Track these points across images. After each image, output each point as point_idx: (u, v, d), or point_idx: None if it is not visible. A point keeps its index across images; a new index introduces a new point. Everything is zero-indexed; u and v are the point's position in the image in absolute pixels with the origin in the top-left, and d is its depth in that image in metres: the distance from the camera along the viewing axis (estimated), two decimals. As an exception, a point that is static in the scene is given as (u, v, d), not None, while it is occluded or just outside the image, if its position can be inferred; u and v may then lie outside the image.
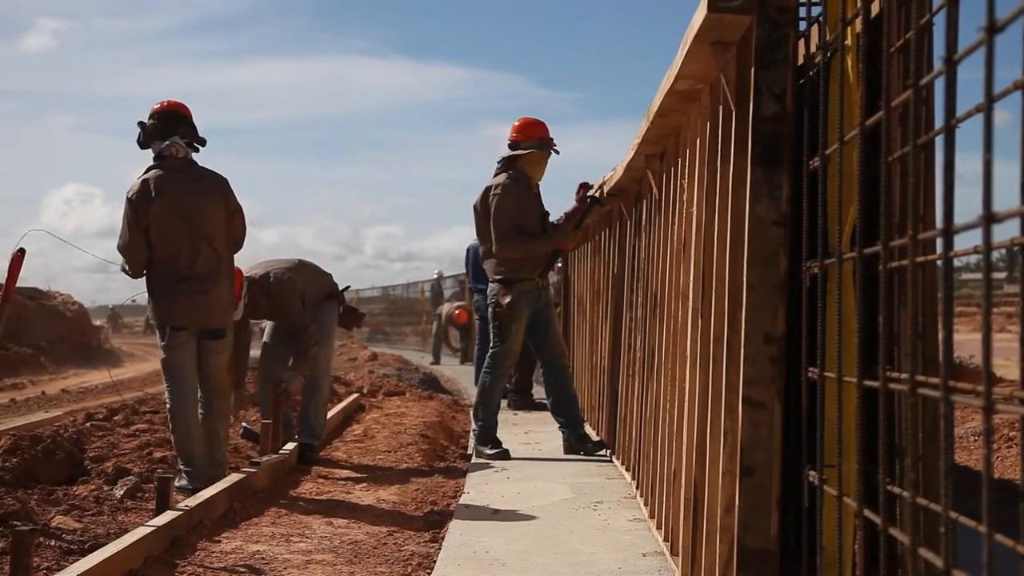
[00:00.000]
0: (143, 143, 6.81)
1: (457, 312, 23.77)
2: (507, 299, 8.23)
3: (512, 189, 8.25)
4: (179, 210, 6.60)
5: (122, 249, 6.67)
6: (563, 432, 8.37)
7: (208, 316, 6.68)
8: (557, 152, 8.47)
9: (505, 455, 8.13)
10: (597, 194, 8.41)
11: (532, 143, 8.37)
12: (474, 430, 8.52)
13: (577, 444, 8.27)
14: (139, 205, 6.58)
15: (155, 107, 6.83)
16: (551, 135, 8.46)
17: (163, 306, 6.64)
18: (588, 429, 8.73)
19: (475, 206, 8.46)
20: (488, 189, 8.33)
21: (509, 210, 8.22)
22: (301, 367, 7.93)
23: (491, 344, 8.52)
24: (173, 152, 6.70)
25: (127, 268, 6.71)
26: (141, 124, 6.80)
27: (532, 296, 8.33)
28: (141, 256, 6.63)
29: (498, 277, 8.34)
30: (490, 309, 8.50)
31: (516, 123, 8.50)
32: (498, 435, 8.40)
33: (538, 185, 8.46)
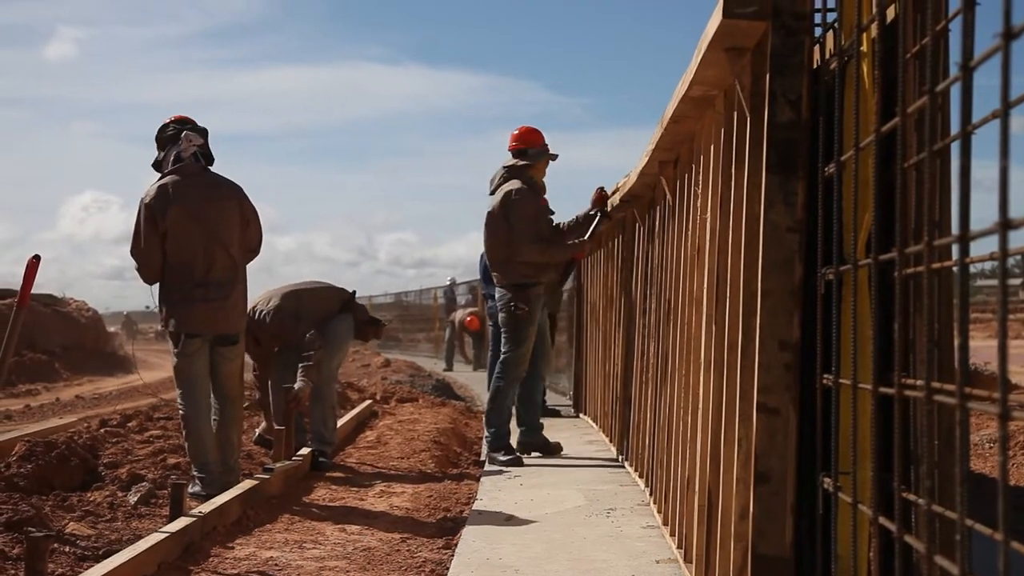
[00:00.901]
0: (158, 164, 6.81)
1: (469, 319, 23.75)
2: (526, 302, 8.36)
3: (530, 195, 8.40)
4: (197, 215, 6.60)
5: (136, 254, 6.66)
6: (520, 429, 8.70)
7: (223, 323, 6.69)
8: (554, 158, 8.66)
9: (518, 462, 8.17)
10: (608, 205, 8.55)
11: (538, 150, 8.57)
12: (487, 437, 8.55)
13: (531, 444, 8.63)
14: (156, 210, 6.58)
15: (165, 121, 6.84)
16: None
17: (179, 313, 6.63)
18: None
19: (492, 211, 8.46)
20: (508, 194, 8.39)
21: (531, 215, 8.35)
22: (309, 373, 7.95)
23: (502, 349, 8.58)
24: (186, 145, 6.70)
25: (141, 274, 6.72)
26: (158, 143, 6.83)
27: (541, 301, 8.53)
28: (156, 262, 6.63)
29: (516, 281, 8.39)
30: (502, 314, 8.54)
31: (516, 132, 8.64)
32: (510, 440, 8.42)
33: None
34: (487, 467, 8.13)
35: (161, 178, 6.69)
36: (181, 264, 6.61)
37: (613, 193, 8.31)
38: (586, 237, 8.60)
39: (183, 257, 6.60)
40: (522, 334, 8.41)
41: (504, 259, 8.44)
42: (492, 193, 8.58)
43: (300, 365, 7.97)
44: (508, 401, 8.49)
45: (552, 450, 8.64)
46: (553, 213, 8.88)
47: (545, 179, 8.72)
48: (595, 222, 8.61)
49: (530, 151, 8.54)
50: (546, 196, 8.76)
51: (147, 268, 6.66)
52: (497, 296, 8.65)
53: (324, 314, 8.31)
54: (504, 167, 8.61)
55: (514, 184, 8.42)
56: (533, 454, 8.60)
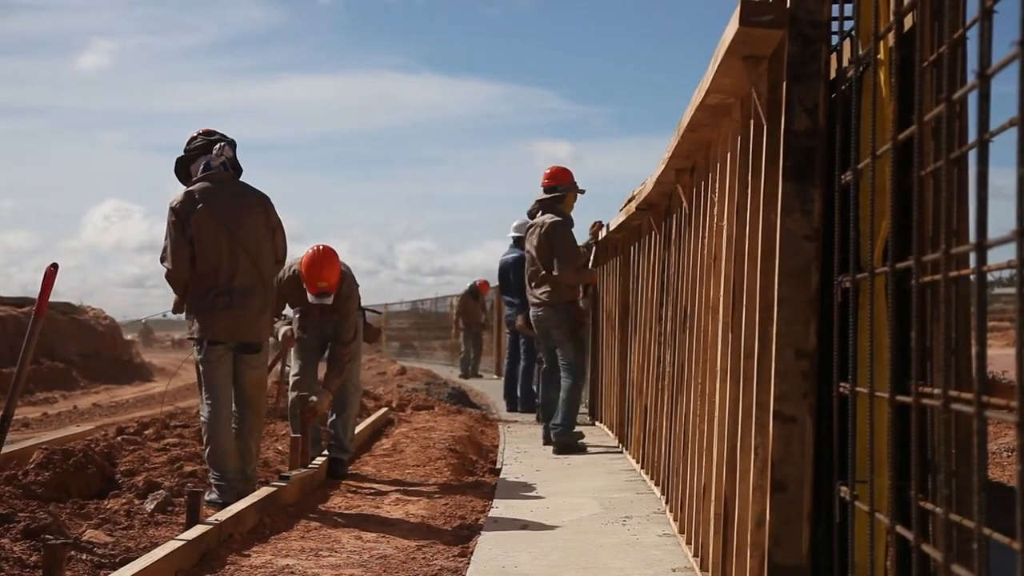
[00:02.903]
0: (187, 175, 6.83)
1: (481, 282, 23.87)
2: (582, 316, 9.86)
3: (566, 225, 9.73)
4: (222, 220, 6.61)
5: (164, 261, 6.69)
6: (553, 430, 9.49)
7: (246, 331, 6.69)
8: (582, 192, 10.00)
9: (584, 449, 9.36)
10: (601, 235, 10.28)
11: (568, 185, 9.88)
12: (555, 425, 9.53)
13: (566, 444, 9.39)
14: (183, 214, 6.60)
15: (193, 135, 6.88)
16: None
17: (202, 319, 6.64)
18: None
19: (540, 238, 9.70)
20: (551, 224, 9.64)
21: (574, 243, 9.74)
22: (332, 382, 7.92)
23: (569, 358, 9.70)
24: (218, 154, 6.73)
25: (170, 281, 6.72)
26: (181, 159, 6.86)
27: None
28: (184, 268, 6.61)
29: (569, 298, 9.73)
30: (563, 329, 9.70)
31: (548, 171, 9.95)
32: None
33: None
34: (503, 469, 8.13)
35: (190, 186, 6.72)
36: (205, 270, 6.62)
37: (629, 201, 8.34)
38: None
39: (208, 263, 6.61)
40: (583, 342, 9.91)
41: (550, 280, 9.65)
42: (533, 224, 9.95)
43: (327, 373, 7.98)
44: (580, 397, 9.87)
45: (581, 448, 9.42)
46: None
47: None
48: (592, 252, 10.52)
49: (559, 187, 9.82)
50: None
51: (176, 276, 6.65)
52: (537, 311, 9.83)
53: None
54: (538, 200, 9.97)
55: (551, 216, 9.71)
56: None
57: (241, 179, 6.88)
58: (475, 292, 24.05)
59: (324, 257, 7.77)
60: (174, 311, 7.00)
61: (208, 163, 6.75)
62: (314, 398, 7.84)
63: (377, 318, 30.89)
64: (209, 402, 6.62)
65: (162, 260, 6.70)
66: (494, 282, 23.08)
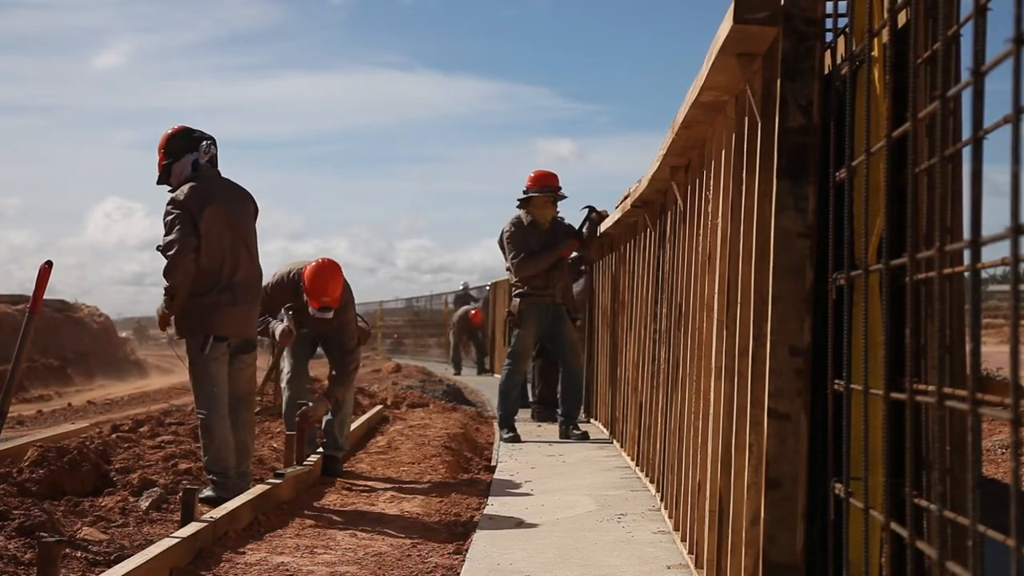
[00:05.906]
0: (167, 172, 6.77)
1: (473, 312, 23.81)
2: (516, 308, 10.27)
3: (518, 226, 10.27)
4: (228, 216, 6.60)
5: (170, 252, 6.50)
6: (560, 419, 10.22)
7: (249, 327, 6.70)
8: (563, 197, 10.33)
9: (516, 439, 9.91)
10: (594, 211, 10.44)
11: (535, 189, 10.30)
12: (497, 416, 10.47)
13: (568, 431, 10.05)
14: (194, 209, 6.50)
15: (168, 133, 6.79)
16: (559, 184, 10.33)
17: (207, 316, 6.58)
18: (600, 425, 10.80)
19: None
20: (503, 231, 10.39)
21: (516, 241, 10.25)
22: (336, 391, 7.92)
23: (507, 347, 10.53)
24: (205, 151, 6.71)
25: (173, 276, 6.52)
26: (165, 164, 6.80)
27: (540, 309, 10.24)
28: (191, 258, 6.47)
29: (514, 292, 10.39)
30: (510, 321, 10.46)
31: (531, 174, 10.41)
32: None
33: (554, 220, 10.35)
34: (499, 462, 8.13)
35: (186, 182, 6.64)
36: (209, 266, 6.56)
37: (624, 199, 8.35)
38: (575, 240, 10.35)
39: (211, 259, 6.56)
40: (513, 335, 10.35)
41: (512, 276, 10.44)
42: None
43: (331, 381, 7.99)
44: (512, 388, 10.31)
45: (586, 437, 9.98)
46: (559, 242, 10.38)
47: (564, 192, 10.38)
48: (585, 217, 10.42)
49: (527, 191, 10.31)
50: (561, 215, 10.49)
51: (181, 264, 6.46)
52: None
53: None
54: (516, 201, 10.51)
55: (511, 219, 10.34)
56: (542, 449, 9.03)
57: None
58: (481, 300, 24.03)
59: (329, 272, 7.75)
60: (177, 331, 6.90)
61: (196, 160, 6.71)
62: (310, 403, 7.84)
63: (369, 316, 30.86)
64: (210, 400, 6.54)
65: (165, 251, 6.52)
66: (491, 280, 23.12)
